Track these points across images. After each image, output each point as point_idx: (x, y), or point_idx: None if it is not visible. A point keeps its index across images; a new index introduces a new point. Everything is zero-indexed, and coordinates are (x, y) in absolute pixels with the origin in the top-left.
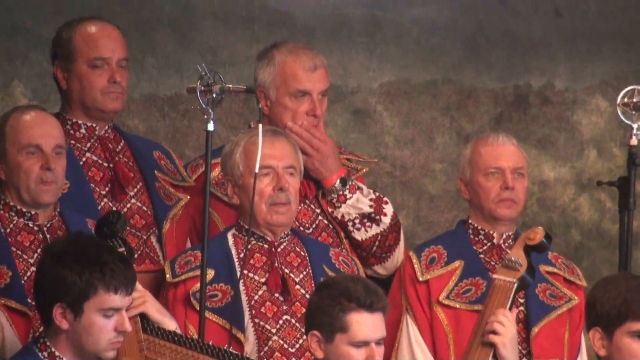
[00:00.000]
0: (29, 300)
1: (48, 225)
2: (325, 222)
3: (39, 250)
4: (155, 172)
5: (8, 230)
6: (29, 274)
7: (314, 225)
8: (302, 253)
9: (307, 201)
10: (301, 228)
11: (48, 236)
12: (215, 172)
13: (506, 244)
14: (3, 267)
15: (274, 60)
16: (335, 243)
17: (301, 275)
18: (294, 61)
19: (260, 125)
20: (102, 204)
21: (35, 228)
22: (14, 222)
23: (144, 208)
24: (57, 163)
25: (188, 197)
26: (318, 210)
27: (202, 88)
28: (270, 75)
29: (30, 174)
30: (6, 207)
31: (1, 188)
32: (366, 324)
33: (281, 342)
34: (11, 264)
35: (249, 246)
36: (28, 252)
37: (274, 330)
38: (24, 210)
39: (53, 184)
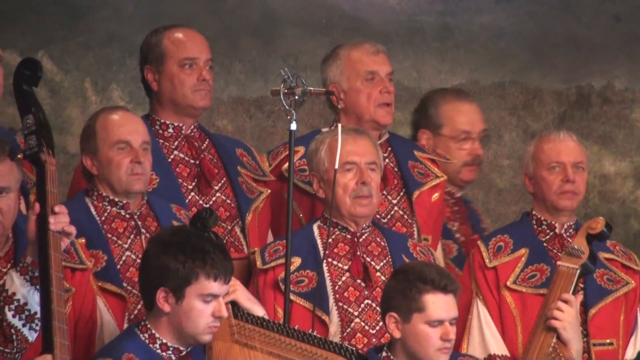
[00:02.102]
0: (124, 284)
1: (138, 213)
2: (401, 212)
3: (132, 236)
4: (238, 167)
5: (103, 218)
6: (124, 258)
7: (389, 216)
8: (382, 243)
9: (385, 192)
10: (377, 216)
11: (139, 222)
12: (296, 158)
13: (567, 233)
14: (99, 252)
15: (338, 55)
16: (409, 232)
17: (381, 263)
18: (357, 49)
19: (339, 125)
20: (190, 197)
21: (127, 215)
22: (108, 210)
23: (228, 201)
24: (145, 157)
25: (269, 191)
26: (394, 201)
27: (286, 91)
28: (338, 68)
29: (121, 167)
30: (99, 197)
31: (93, 182)
32: (441, 304)
33: (363, 324)
34: (106, 249)
35: (333, 236)
36: (122, 238)
37: (356, 313)
38: (116, 199)
39: (142, 175)
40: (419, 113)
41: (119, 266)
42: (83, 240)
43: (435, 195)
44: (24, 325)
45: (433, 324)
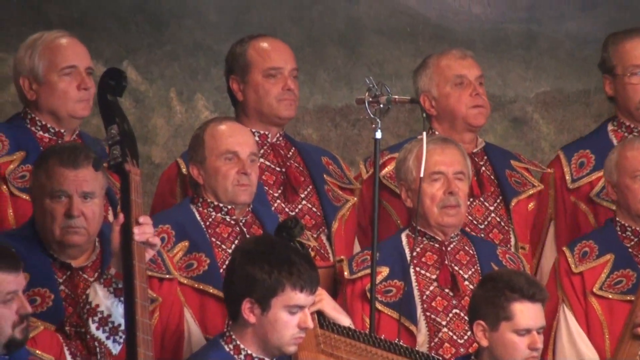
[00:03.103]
0: None
1: (243, 221)
2: (498, 219)
3: (236, 242)
4: (324, 176)
5: (207, 223)
6: (227, 262)
7: (486, 222)
8: (470, 252)
9: (482, 199)
10: (474, 222)
11: (245, 230)
12: (391, 166)
13: None
14: (202, 255)
15: (427, 64)
16: (505, 240)
17: (470, 272)
18: (445, 56)
19: (424, 134)
20: (276, 205)
21: (232, 221)
22: (212, 216)
23: (314, 209)
24: (252, 169)
25: (355, 199)
26: (491, 208)
27: (370, 99)
28: (427, 76)
29: (228, 177)
30: (204, 204)
31: (199, 191)
32: (529, 313)
33: (450, 333)
34: (210, 253)
35: (421, 245)
36: (226, 243)
37: (444, 323)
38: (221, 205)
39: (248, 186)
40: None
41: (221, 270)
42: (186, 244)
43: (532, 205)
44: (107, 338)
45: (521, 333)
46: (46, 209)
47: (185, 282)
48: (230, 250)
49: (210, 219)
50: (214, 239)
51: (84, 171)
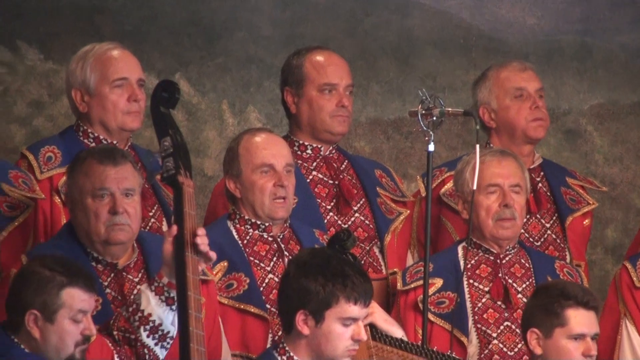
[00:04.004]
0: (267, 306)
1: (281, 236)
2: (553, 236)
3: (274, 259)
4: (377, 189)
5: (245, 241)
6: (266, 280)
7: (542, 239)
8: (526, 264)
9: (538, 215)
10: (530, 240)
11: (282, 246)
12: (450, 184)
13: None
14: (241, 275)
15: (486, 77)
16: (561, 257)
17: (524, 285)
18: (505, 68)
19: (477, 146)
20: (328, 217)
21: (270, 238)
22: (250, 234)
23: (367, 221)
24: (288, 180)
25: (408, 212)
26: (547, 225)
27: (423, 111)
28: (487, 89)
29: (264, 191)
30: (241, 220)
31: (236, 204)
32: (583, 319)
33: (501, 345)
34: (249, 272)
35: (476, 258)
36: (265, 261)
37: (494, 335)
38: (259, 222)
39: (286, 200)
40: None
41: (261, 288)
42: (225, 264)
43: (587, 222)
44: (156, 345)
45: (575, 338)
46: (89, 209)
47: (226, 302)
48: (269, 269)
49: (247, 237)
50: (252, 258)
51: (124, 168)
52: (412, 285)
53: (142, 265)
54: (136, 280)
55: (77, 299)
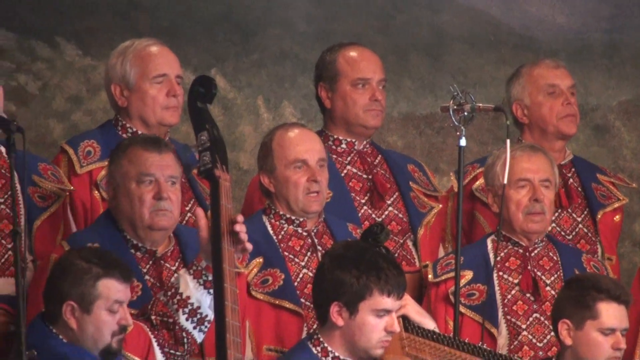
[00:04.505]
0: (302, 300)
1: (315, 231)
2: (585, 230)
3: (308, 254)
4: (410, 183)
5: (279, 237)
6: (301, 275)
7: (574, 232)
8: (554, 258)
9: (569, 210)
10: (562, 233)
11: (316, 240)
12: (483, 179)
13: None
14: (276, 271)
15: (520, 73)
16: (592, 250)
17: (552, 278)
18: (539, 66)
19: (508, 141)
20: (362, 211)
21: (304, 233)
22: (284, 229)
23: (400, 215)
24: (321, 175)
25: (440, 206)
26: (579, 219)
27: (455, 107)
28: (520, 85)
29: (298, 186)
30: (276, 215)
31: (271, 199)
32: (614, 313)
33: (530, 337)
34: (283, 268)
35: (505, 250)
36: (299, 256)
37: (524, 326)
38: (293, 218)
39: (319, 194)
40: None
41: (296, 283)
42: (260, 260)
43: (617, 218)
44: (194, 328)
45: (605, 332)
46: (133, 194)
47: (261, 297)
48: (303, 264)
49: (282, 232)
50: (286, 253)
51: (168, 156)
52: (443, 278)
53: (179, 255)
54: (173, 268)
55: (113, 290)
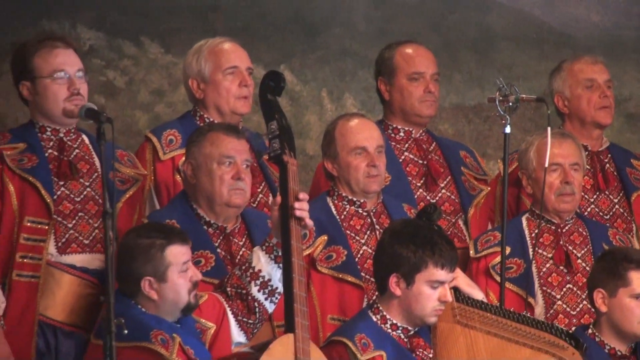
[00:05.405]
0: (363, 274)
1: (374, 210)
2: (621, 210)
3: (368, 232)
4: (462, 168)
5: (342, 217)
6: (361, 252)
7: (611, 213)
8: (584, 233)
9: (607, 192)
10: (600, 214)
11: (374, 220)
12: None
13: None
14: (339, 247)
15: (561, 68)
16: (628, 229)
17: (582, 251)
18: (578, 61)
19: (549, 129)
20: (418, 193)
21: (364, 213)
22: (346, 209)
23: (452, 197)
24: (379, 160)
25: (489, 188)
26: (615, 201)
27: (501, 98)
28: (561, 79)
29: (359, 170)
30: (339, 197)
31: (334, 182)
32: None
33: (564, 306)
34: (346, 245)
35: (540, 227)
36: (359, 234)
37: (558, 297)
38: (354, 199)
39: (378, 177)
40: None
41: (357, 259)
42: (325, 237)
43: None
44: (265, 299)
45: (637, 297)
46: (215, 174)
47: (326, 272)
48: (363, 241)
49: (344, 212)
50: (348, 232)
51: (243, 142)
52: (483, 253)
53: (245, 231)
54: (241, 243)
55: (179, 254)
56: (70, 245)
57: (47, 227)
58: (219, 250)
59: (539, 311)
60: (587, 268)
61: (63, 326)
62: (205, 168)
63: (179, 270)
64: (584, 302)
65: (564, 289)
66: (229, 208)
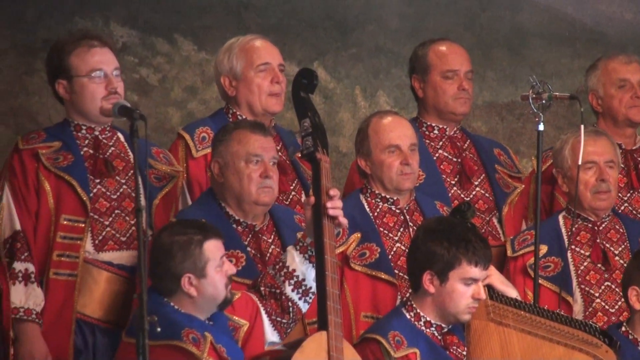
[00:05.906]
0: (396, 271)
1: (407, 208)
2: None
3: (401, 229)
4: (496, 166)
5: (375, 214)
6: (394, 249)
7: None
8: (620, 230)
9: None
10: (634, 212)
11: (407, 217)
12: None
13: None
14: (373, 245)
15: (596, 66)
16: None
17: (620, 248)
18: (613, 60)
19: (582, 127)
20: (452, 191)
21: (397, 211)
22: (380, 207)
23: (486, 195)
24: (412, 158)
25: (523, 186)
26: None
27: (534, 96)
28: (595, 77)
29: (392, 168)
30: (372, 194)
31: (367, 180)
32: None
33: (603, 303)
34: (379, 242)
35: (576, 226)
36: (393, 232)
37: (596, 294)
38: (387, 196)
39: (411, 174)
40: None
41: (390, 256)
42: (359, 235)
43: None
44: (299, 299)
45: None
46: (242, 172)
47: (359, 269)
48: (396, 238)
49: (377, 210)
50: (381, 229)
51: (270, 140)
52: (521, 252)
53: (273, 229)
54: (270, 241)
55: (215, 249)
56: (107, 242)
57: (83, 225)
58: (249, 249)
59: (578, 309)
60: (625, 265)
61: (100, 323)
62: (232, 167)
63: (216, 265)
64: (623, 300)
65: (602, 287)
66: (258, 206)
